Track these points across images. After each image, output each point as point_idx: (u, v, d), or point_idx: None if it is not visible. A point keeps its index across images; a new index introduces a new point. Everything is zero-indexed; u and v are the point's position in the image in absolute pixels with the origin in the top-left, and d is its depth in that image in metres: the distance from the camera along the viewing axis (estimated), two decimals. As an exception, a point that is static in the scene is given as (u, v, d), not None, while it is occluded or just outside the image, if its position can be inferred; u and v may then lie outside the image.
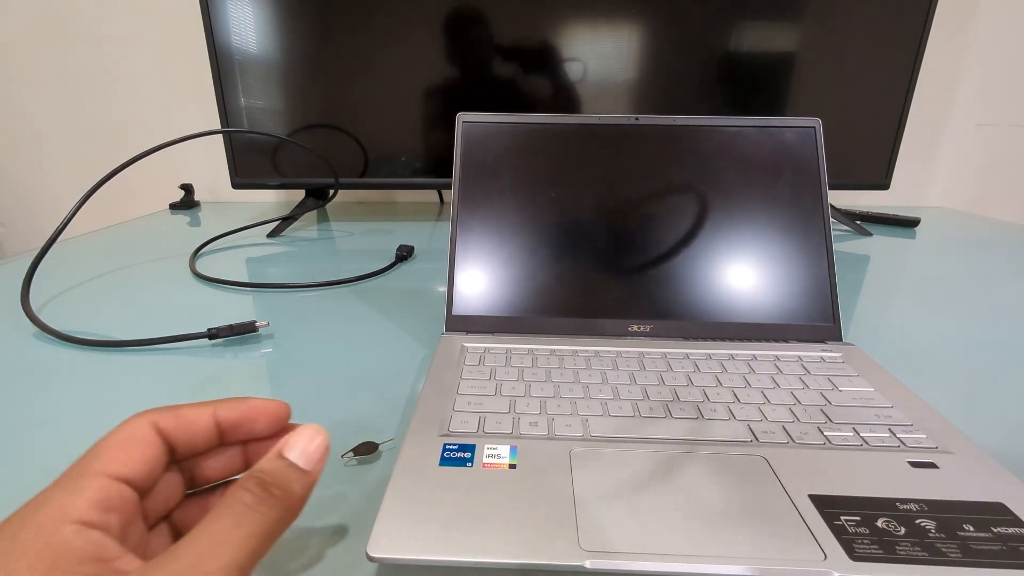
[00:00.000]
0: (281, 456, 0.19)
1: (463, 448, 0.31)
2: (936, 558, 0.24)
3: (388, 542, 0.25)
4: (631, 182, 0.48)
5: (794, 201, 0.48)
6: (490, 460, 0.30)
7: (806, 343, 0.45)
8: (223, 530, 0.17)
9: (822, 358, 0.43)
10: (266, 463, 0.19)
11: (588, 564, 0.24)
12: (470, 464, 0.30)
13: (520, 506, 0.27)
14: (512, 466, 0.30)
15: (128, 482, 0.19)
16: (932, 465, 0.31)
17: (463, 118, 0.50)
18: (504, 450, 0.31)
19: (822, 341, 0.45)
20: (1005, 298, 0.60)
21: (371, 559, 0.24)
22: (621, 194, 0.48)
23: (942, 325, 0.53)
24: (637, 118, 0.49)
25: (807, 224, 0.47)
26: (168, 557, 0.16)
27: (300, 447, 0.19)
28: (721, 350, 0.43)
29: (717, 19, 0.77)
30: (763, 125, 0.49)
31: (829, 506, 0.28)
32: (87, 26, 0.97)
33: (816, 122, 0.49)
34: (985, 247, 0.80)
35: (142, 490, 0.20)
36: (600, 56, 0.79)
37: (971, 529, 0.26)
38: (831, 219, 0.49)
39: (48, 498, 0.18)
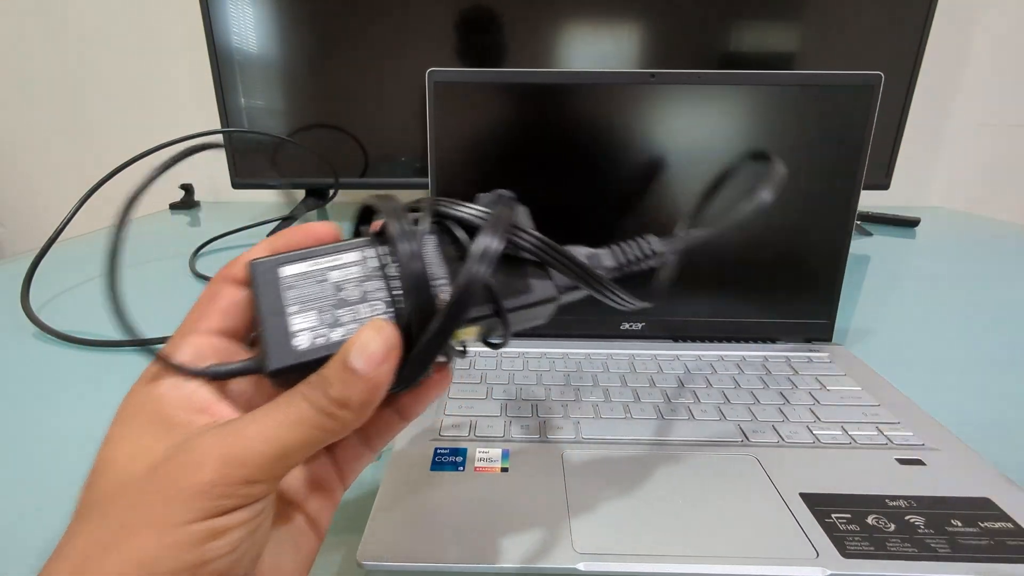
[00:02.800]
0: (342, 357, 0.17)
1: (455, 452, 0.31)
2: (926, 554, 0.25)
3: (378, 548, 0.25)
4: (630, 156, 0.42)
5: (825, 179, 0.41)
6: (482, 464, 0.31)
7: (794, 343, 0.45)
8: (279, 413, 0.17)
9: (810, 358, 0.43)
10: (330, 362, 0.18)
11: (582, 567, 0.24)
12: (462, 468, 0.30)
13: (513, 510, 0.27)
14: (504, 470, 0.30)
15: (219, 332, 0.20)
16: (919, 462, 0.31)
17: (434, 76, 0.41)
18: (496, 454, 0.31)
19: (810, 341, 0.45)
20: (1004, 299, 0.60)
21: (361, 566, 0.25)
22: (615, 171, 0.43)
23: (942, 326, 0.53)
24: (653, 74, 0.41)
25: (832, 211, 0.42)
26: (232, 423, 0.17)
27: (357, 346, 0.17)
28: (711, 351, 0.44)
29: (715, 18, 0.77)
30: (805, 83, 0.40)
31: (820, 504, 0.28)
32: (87, 26, 0.98)
33: (877, 77, 0.40)
34: (985, 247, 0.80)
35: (238, 335, 0.21)
36: (600, 55, 0.79)
37: (959, 525, 0.26)
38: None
39: (152, 367, 0.19)
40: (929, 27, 0.78)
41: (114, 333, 0.49)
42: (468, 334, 0.20)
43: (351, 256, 0.20)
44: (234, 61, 0.78)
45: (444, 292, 0.19)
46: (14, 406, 0.39)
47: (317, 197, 0.90)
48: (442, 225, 0.21)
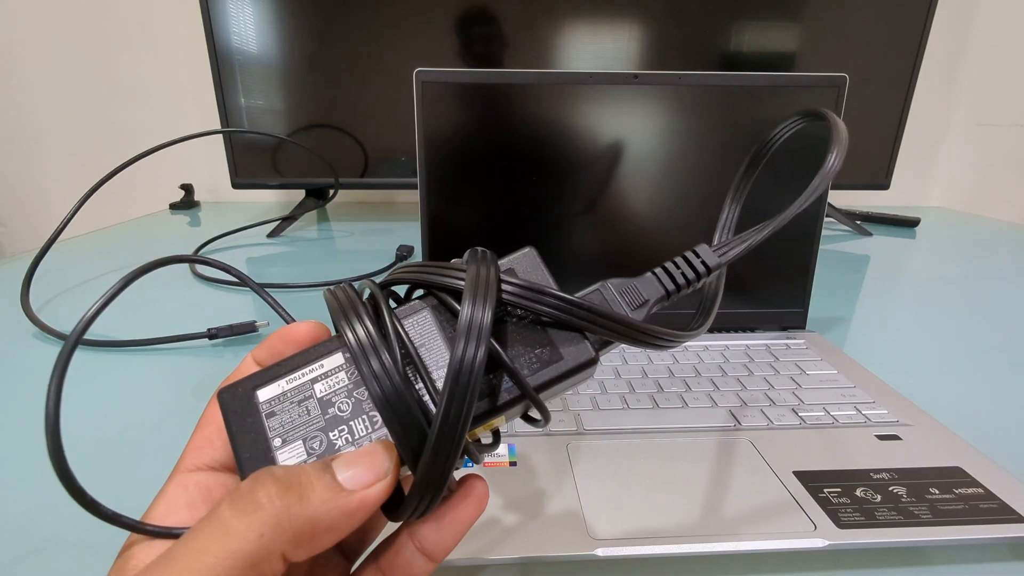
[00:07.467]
0: (325, 464, 0.15)
1: (462, 448, 0.31)
2: (910, 520, 0.27)
3: None
4: (615, 155, 0.43)
5: (794, 172, 0.43)
6: (490, 459, 0.31)
7: (771, 331, 0.47)
8: (210, 532, 0.14)
9: (787, 345, 0.45)
10: (307, 466, 0.15)
11: (600, 552, 0.25)
12: (470, 464, 0.30)
13: (526, 502, 0.28)
14: (513, 463, 0.31)
15: (210, 466, 0.17)
16: (896, 437, 0.33)
17: (422, 76, 0.41)
18: (502, 448, 0.32)
19: (785, 329, 0.47)
20: (1003, 298, 0.60)
21: None
22: (602, 170, 0.43)
23: (941, 326, 0.53)
24: (636, 75, 0.42)
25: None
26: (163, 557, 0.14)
27: (347, 460, 0.14)
28: (696, 342, 0.45)
29: (717, 18, 0.77)
30: (778, 84, 0.42)
31: (812, 481, 0.29)
32: (87, 26, 0.97)
33: (842, 79, 0.42)
34: (985, 247, 0.80)
35: (231, 467, 0.18)
36: (599, 55, 0.79)
37: (936, 492, 0.28)
38: (829, 216, 0.48)
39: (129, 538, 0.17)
40: (929, 27, 0.78)
41: (114, 333, 0.49)
42: (496, 423, 0.17)
43: (335, 360, 0.17)
44: (234, 61, 0.78)
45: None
46: (14, 406, 0.39)
47: (317, 197, 0.90)
48: (434, 295, 0.17)
